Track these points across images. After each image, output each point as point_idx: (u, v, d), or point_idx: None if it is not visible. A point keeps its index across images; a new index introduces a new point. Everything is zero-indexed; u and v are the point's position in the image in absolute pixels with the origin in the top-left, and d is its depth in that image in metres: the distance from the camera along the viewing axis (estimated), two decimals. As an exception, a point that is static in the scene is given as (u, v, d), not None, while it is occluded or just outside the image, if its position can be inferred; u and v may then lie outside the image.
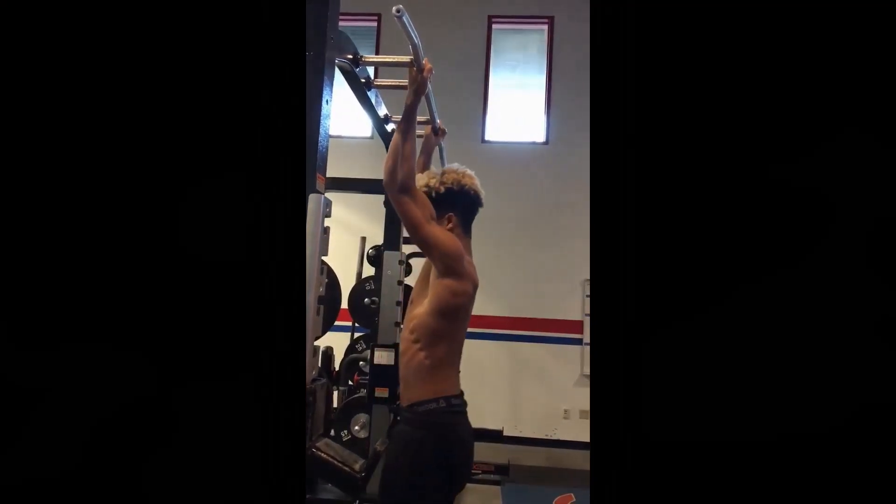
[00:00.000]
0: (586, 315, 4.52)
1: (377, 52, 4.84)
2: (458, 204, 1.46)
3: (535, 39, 5.14)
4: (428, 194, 1.44)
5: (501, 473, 2.95)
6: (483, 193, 1.49)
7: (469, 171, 1.49)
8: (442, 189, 1.44)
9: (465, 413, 1.41)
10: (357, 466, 1.21)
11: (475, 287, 1.43)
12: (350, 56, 1.51)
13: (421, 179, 1.46)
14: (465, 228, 1.47)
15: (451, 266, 1.36)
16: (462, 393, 1.42)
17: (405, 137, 1.32)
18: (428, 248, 1.37)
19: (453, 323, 1.39)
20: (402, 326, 2.36)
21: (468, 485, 3.10)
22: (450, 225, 1.44)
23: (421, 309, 1.39)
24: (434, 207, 1.43)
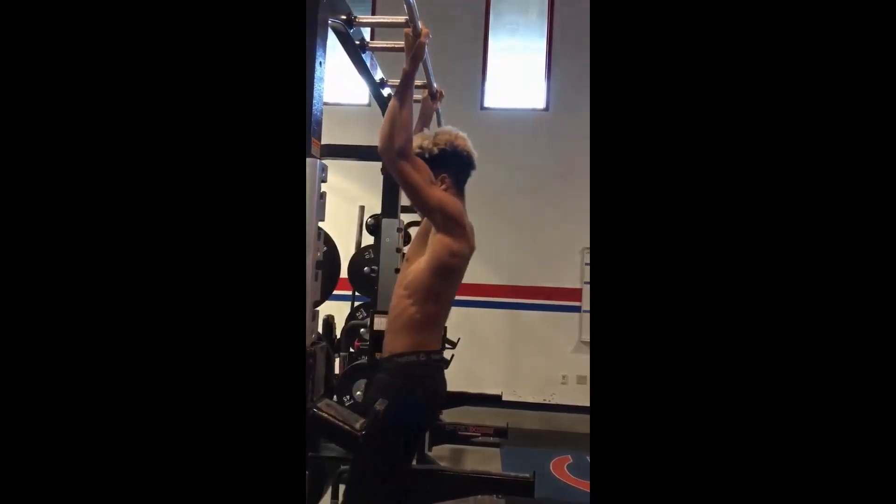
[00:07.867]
0: (585, 283, 4.55)
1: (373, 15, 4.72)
2: (452, 165, 1.47)
3: (535, 1, 5.01)
4: (421, 155, 1.44)
5: (500, 436, 3.02)
6: (476, 155, 1.50)
7: (462, 133, 1.50)
8: (435, 150, 1.45)
9: (442, 368, 1.46)
10: (357, 425, 1.26)
11: (471, 251, 1.46)
12: (344, 16, 1.48)
13: (414, 141, 1.46)
14: (458, 189, 1.49)
15: (452, 227, 1.39)
16: (442, 349, 1.47)
17: (402, 104, 1.32)
18: (430, 211, 1.39)
19: (447, 283, 1.42)
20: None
21: (468, 447, 3.18)
22: (443, 186, 1.46)
23: (417, 266, 1.42)
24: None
